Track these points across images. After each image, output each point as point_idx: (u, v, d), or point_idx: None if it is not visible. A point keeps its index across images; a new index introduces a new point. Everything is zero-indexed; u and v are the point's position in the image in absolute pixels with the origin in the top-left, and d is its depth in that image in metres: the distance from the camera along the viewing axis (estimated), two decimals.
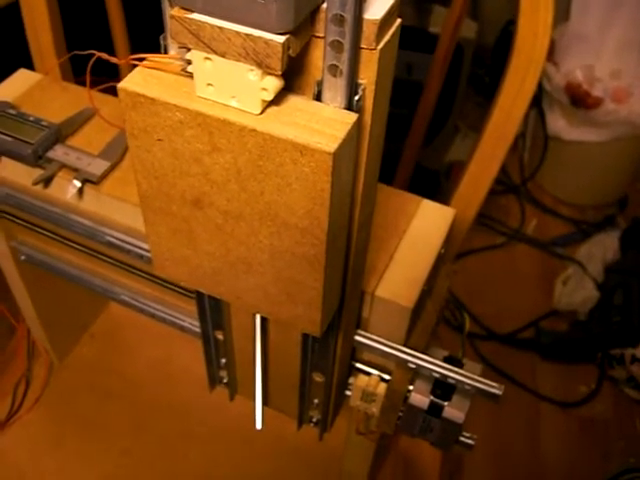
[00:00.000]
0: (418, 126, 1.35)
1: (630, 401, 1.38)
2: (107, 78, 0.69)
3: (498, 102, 0.78)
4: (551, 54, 1.58)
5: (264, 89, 0.40)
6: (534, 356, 1.45)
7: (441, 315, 0.70)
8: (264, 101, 0.41)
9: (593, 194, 1.75)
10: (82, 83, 0.80)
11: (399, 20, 0.42)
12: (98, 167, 0.69)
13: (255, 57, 0.38)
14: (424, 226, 0.68)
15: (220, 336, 0.69)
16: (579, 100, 1.54)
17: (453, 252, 0.86)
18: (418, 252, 0.65)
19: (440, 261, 0.68)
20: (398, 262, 0.64)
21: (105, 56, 0.55)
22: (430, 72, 1.27)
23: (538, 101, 1.65)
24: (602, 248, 1.60)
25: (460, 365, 0.64)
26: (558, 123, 1.64)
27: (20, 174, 0.72)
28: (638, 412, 1.36)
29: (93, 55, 0.55)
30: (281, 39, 0.37)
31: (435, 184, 1.67)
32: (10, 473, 0.98)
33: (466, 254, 1.61)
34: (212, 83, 0.41)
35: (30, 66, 0.86)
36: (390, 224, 0.66)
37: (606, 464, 1.28)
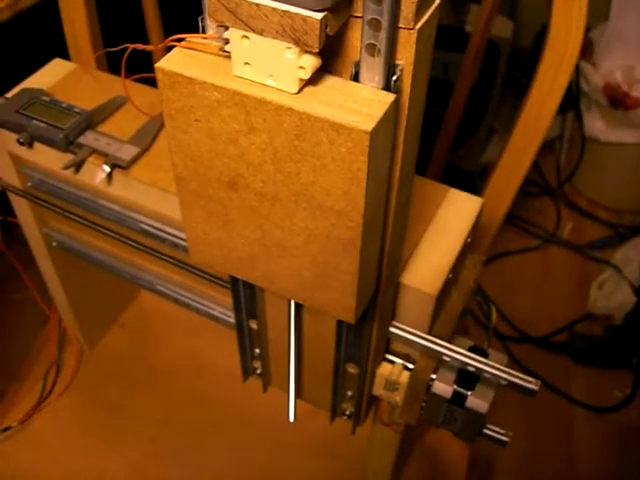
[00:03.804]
0: (449, 124, 1.34)
1: None
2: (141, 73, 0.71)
3: (531, 96, 0.78)
4: (590, 54, 1.56)
5: (301, 67, 0.40)
6: (568, 360, 1.43)
7: (467, 307, 0.69)
8: (301, 80, 0.40)
9: (631, 197, 1.72)
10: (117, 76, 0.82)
11: (437, 1, 0.42)
12: (127, 152, 0.70)
13: (292, 34, 0.38)
14: (451, 214, 0.67)
15: (254, 325, 0.69)
16: (618, 101, 1.51)
17: (484, 244, 0.86)
18: (444, 240, 0.65)
19: (466, 250, 0.67)
20: (423, 250, 0.64)
21: (140, 46, 0.55)
22: (461, 70, 1.26)
23: (576, 102, 1.63)
24: (639, 252, 1.57)
25: (485, 355, 0.63)
26: (596, 124, 1.62)
27: (51, 160, 0.73)
28: None
29: (127, 48, 0.56)
30: (319, 16, 0.37)
31: (470, 185, 1.66)
32: (39, 456, 1.00)
33: (501, 256, 1.59)
34: (249, 62, 0.41)
35: (65, 56, 0.87)
36: (417, 212, 0.65)
37: None
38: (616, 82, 1.51)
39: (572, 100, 1.63)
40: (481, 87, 1.53)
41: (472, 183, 1.67)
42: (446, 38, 1.45)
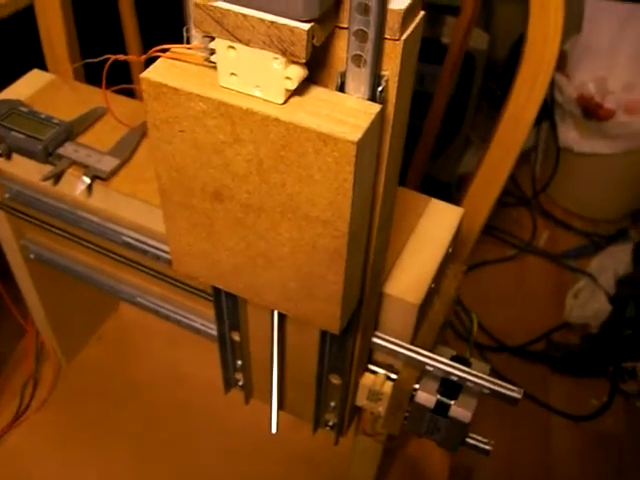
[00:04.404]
0: (427, 136, 1.35)
1: None
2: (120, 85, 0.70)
3: (508, 107, 0.79)
4: (563, 66, 1.59)
5: (288, 78, 0.40)
6: (545, 369, 1.44)
7: (449, 318, 0.70)
8: (287, 90, 0.40)
9: (605, 207, 1.75)
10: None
11: (423, 12, 0.42)
12: (107, 164, 0.69)
13: (279, 45, 0.38)
14: (432, 224, 0.68)
15: (236, 337, 0.69)
16: (591, 112, 1.54)
17: (463, 254, 0.86)
18: (426, 250, 0.65)
19: (448, 260, 0.68)
20: (406, 260, 0.64)
21: (122, 57, 0.55)
22: (439, 81, 1.27)
23: (550, 113, 1.65)
24: (614, 261, 1.59)
25: (468, 364, 0.63)
26: (570, 135, 1.64)
27: (30, 171, 0.72)
28: None
29: (107, 60, 0.55)
30: (306, 26, 0.37)
31: (447, 196, 1.66)
32: (16, 473, 0.98)
33: (477, 266, 1.61)
34: (235, 72, 0.41)
35: (43, 68, 0.87)
36: (398, 222, 0.65)
37: (620, 479, 1.27)
38: (589, 93, 1.53)
39: (547, 111, 1.65)
40: (457, 98, 1.54)
41: (449, 194, 1.68)
42: (422, 50, 1.47)
